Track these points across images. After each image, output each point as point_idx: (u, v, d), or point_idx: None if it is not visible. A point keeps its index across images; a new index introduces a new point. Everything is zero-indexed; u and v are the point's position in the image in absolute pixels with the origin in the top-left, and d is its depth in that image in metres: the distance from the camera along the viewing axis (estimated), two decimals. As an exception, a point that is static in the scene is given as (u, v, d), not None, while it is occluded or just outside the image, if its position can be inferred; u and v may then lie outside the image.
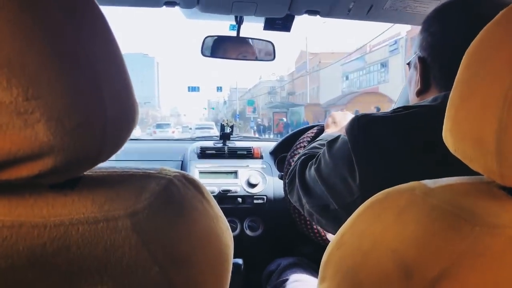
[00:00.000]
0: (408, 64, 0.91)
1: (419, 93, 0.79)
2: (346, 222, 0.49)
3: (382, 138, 0.68)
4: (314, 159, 0.84)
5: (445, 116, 0.45)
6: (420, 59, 0.77)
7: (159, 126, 28.55)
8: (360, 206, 0.48)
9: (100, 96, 0.36)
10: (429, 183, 0.44)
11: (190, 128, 29.13)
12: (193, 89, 39.03)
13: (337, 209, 0.75)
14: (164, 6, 1.18)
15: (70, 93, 0.34)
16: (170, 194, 0.43)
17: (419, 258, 0.38)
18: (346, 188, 0.71)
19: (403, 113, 0.69)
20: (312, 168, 0.82)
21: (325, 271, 0.49)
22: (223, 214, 0.51)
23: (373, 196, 0.47)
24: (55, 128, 0.33)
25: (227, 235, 0.50)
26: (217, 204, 0.51)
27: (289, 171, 0.97)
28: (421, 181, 0.44)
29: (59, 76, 0.33)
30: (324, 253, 0.50)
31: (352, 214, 0.49)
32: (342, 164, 0.72)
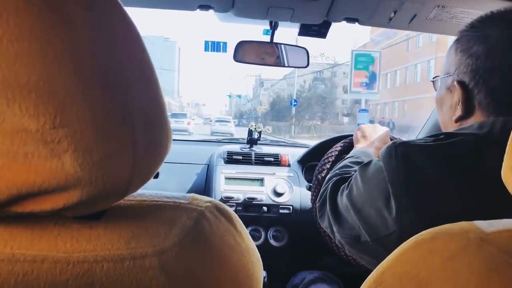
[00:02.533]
0: (433, 82, 0.85)
1: (459, 119, 0.73)
2: (386, 259, 0.45)
3: (424, 169, 0.63)
4: (346, 184, 0.79)
5: (507, 152, 0.40)
6: (460, 83, 0.71)
7: (174, 115, 24.16)
8: (403, 245, 0.44)
9: (131, 125, 0.33)
10: (484, 225, 0.39)
11: (211, 120, 32.73)
12: (216, 46, 21.17)
13: (369, 241, 0.69)
14: (198, 10, 1.16)
15: (100, 122, 0.31)
16: (201, 230, 0.40)
17: None
18: (381, 221, 0.66)
19: (447, 142, 0.64)
20: (344, 195, 0.77)
21: None
22: (254, 244, 0.48)
23: (417, 235, 0.43)
24: (83, 159, 0.31)
25: (258, 268, 0.47)
26: (248, 235, 0.48)
27: (320, 193, 0.92)
28: (473, 222, 0.40)
29: (89, 103, 0.31)
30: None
31: (394, 252, 0.45)
32: (377, 194, 0.67)
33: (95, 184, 0.32)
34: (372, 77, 22.70)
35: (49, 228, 0.35)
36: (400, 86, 32.35)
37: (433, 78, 0.85)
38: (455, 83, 0.72)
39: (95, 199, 0.33)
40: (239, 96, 61.01)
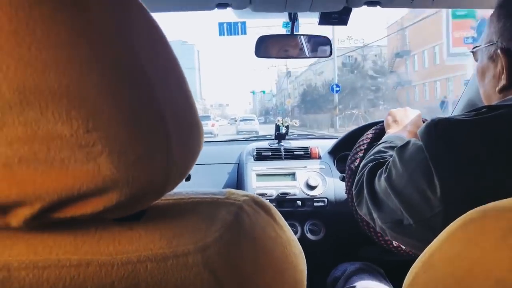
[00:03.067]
0: (473, 52, 0.82)
1: (503, 89, 0.69)
2: (434, 242, 0.44)
3: (468, 145, 0.60)
4: (384, 168, 0.76)
5: None
6: (504, 50, 0.67)
7: None
8: (451, 225, 0.42)
9: (164, 123, 0.33)
10: None
11: (236, 120, 32.58)
12: (233, 28, 17.37)
13: (412, 224, 0.67)
14: (216, 9, 1.16)
15: (132, 122, 0.31)
16: (242, 223, 0.40)
17: None
18: (425, 202, 0.63)
19: (489, 116, 0.61)
20: (382, 179, 0.75)
21: None
22: (294, 236, 0.48)
23: (465, 215, 0.41)
24: (118, 160, 0.31)
25: (301, 260, 0.46)
26: (288, 227, 0.47)
27: (356, 181, 0.90)
28: None
29: (120, 105, 0.31)
30: (408, 274, 0.45)
31: (441, 234, 0.43)
32: (419, 175, 0.65)
33: (132, 185, 0.32)
34: (481, 27, 13.81)
35: (91, 233, 0.35)
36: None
37: (473, 48, 0.81)
38: (498, 51, 0.69)
39: (133, 200, 0.33)
40: (263, 92, 59.03)
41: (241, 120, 27.47)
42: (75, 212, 0.32)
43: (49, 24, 0.29)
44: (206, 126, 21.07)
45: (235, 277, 0.37)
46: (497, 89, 0.70)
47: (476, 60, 0.80)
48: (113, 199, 0.32)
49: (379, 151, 0.94)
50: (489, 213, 0.39)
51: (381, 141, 1.03)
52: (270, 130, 1.89)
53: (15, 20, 0.28)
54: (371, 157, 0.92)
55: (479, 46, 0.78)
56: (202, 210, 0.40)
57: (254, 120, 27.18)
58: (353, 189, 0.91)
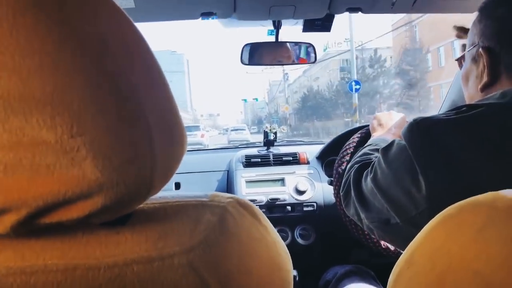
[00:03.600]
0: (459, 60, 0.83)
1: (485, 87, 0.71)
2: (415, 239, 0.44)
3: (449, 143, 0.61)
4: (370, 168, 0.77)
5: None
6: (485, 48, 0.69)
7: (186, 128, 24.11)
8: (430, 222, 0.43)
9: (147, 128, 0.34)
10: (510, 193, 0.38)
11: (227, 130, 32.99)
12: None
13: (399, 223, 0.68)
14: (200, 18, 1.17)
15: (115, 127, 0.32)
16: (226, 224, 0.41)
17: (509, 282, 0.33)
18: (410, 201, 0.64)
19: (469, 114, 0.62)
20: (368, 179, 0.76)
21: None
22: (280, 238, 0.48)
23: (443, 211, 0.42)
24: (103, 165, 0.31)
25: (287, 261, 0.47)
26: (273, 228, 0.48)
27: (343, 182, 0.91)
28: (498, 192, 0.39)
29: (103, 110, 0.31)
30: (392, 272, 0.46)
31: (422, 231, 0.44)
32: (403, 174, 0.66)
33: (117, 188, 0.33)
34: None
35: (78, 237, 0.36)
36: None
37: (458, 58, 0.83)
38: (480, 50, 0.70)
39: (118, 204, 0.34)
40: (256, 99, 57.49)
41: (232, 130, 28.00)
42: (61, 217, 0.33)
43: (33, 33, 0.29)
44: (195, 137, 20.60)
45: (221, 278, 0.37)
46: (479, 87, 0.71)
47: (461, 68, 0.82)
48: (98, 203, 0.32)
49: (365, 153, 0.95)
50: (466, 208, 0.40)
51: (366, 144, 1.05)
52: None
53: None
54: (357, 159, 0.94)
55: (463, 54, 0.80)
56: (187, 212, 0.41)
57: (245, 129, 27.89)
58: (340, 190, 0.92)
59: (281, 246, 0.47)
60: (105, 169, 0.31)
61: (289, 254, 0.48)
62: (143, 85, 0.35)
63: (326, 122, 28.37)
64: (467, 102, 0.80)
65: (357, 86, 17.00)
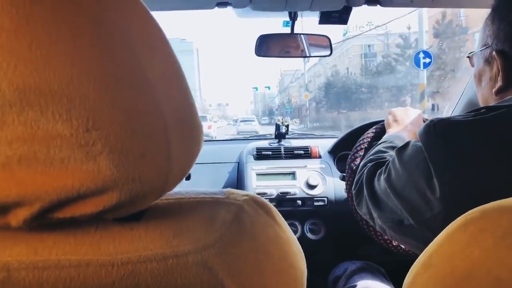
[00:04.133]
0: (469, 57, 0.82)
1: (500, 91, 0.70)
2: (433, 242, 0.43)
3: (467, 145, 0.60)
4: (384, 168, 0.76)
5: None
6: (499, 52, 0.68)
7: None
8: (451, 225, 0.42)
9: (163, 121, 0.33)
10: None
11: (236, 121, 34.10)
12: None
13: (412, 224, 0.67)
14: (216, 7, 1.15)
15: (131, 121, 0.31)
16: (242, 222, 0.40)
17: None
18: (425, 203, 0.63)
19: (488, 116, 0.61)
20: (382, 179, 0.75)
21: None
22: (294, 236, 0.48)
23: (465, 214, 0.41)
24: (118, 160, 0.31)
25: (300, 259, 0.46)
26: (288, 226, 0.47)
27: (355, 180, 0.90)
28: None
29: (119, 103, 0.30)
30: (408, 273, 0.45)
31: (441, 234, 0.43)
32: (418, 175, 0.65)
33: (132, 184, 0.32)
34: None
35: (91, 233, 0.35)
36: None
37: (469, 54, 0.82)
38: (494, 53, 0.69)
39: (133, 200, 0.33)
40: (268, 87, 55.86)
41: (241, 121, 29.01)
42: (75, 212, 0.32)
43: (50, 23, 0.28)
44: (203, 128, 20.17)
45: (235, 277, 0.37)
46: (493, 91, 0.71)
47: (473, 65, 0.81)
48: (113, 198, 0.32)
49: (379, 151, 0.94)
50: (489, 213, 0.39)
51: (381, 140, 1.03)
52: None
53: (16, 18, 0.28)
54: (371, 157, 0.92)
55: (474, 52, 0.79)
56: (202, 210, 0.40)
57: (254, 120, 28.88)
58: (352, 188, 0.91)
59: (295, 244, 0.46)
60: (120, 164, 0.31)
61: (303, 253, 0.48)
62: (160, 79, 0.34)
63: (364, 112, 25.86)
64: (481, 103, 0.79)
65: (427, 60, 11.29)
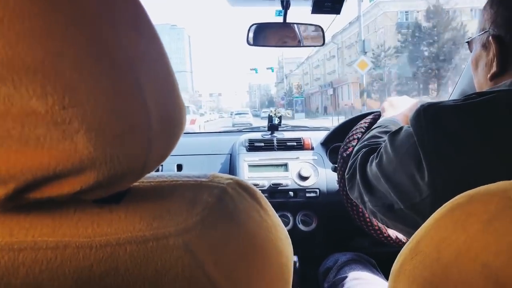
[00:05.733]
0: (468, 42, 0.82)
1: (494, 77, 0.70)
2: (421, 228, 0.43)
3: (455, 130, 0.60)
4: (376, 153, 0.77)
5: None
6: (496, 37, 0.68)
7: None
8: (438, 211, 0.42)
9: (143, 101, 0.32)
10: None
11: (231, 114, 35.53)
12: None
13: (402, 208, 0.67)
14: None
15: (110, 99, 0.30)
16: (225, 206, 0.39)
17: None
18: (414, 187, 0.64)
19: (478, 100, 0.61)
20: (374, 164, 0.75)
21: (397, 282, 0.43)
22: (281, 221, 0.47)
23: (452, 200, 0.41)
24: (96, 138, 0.30)
25: (287, 245, 0.46)
26: (274, 211, 0.47)
27: (349, 165, 0.90)
28: (511, 182, 0.37)
29: (97, 81, 0.29)
30: (396, 260, 0.45)
31: (428, 219, 0.43)
32: (408, 160, 0.65)
33: (110, 164, 0.31)
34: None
35: (69, 214, 0.34)
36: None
37: (467, 39, 0.82)
38: (490, 38, 0.69)
39: (112, 180, 0.32)
40: (271, 69, 49.60)
41: (236, 114, 30.56)
42: (51, 193, 0.31)
43: None
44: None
45: (217, 260, 0.36)
46: (488, 76, 0.70)
47: (471, 51, 0.81)
48: (90, 178, 0.31)
49: (373, 136, 0.94)
50: (476, 197, 0.38)
51: (375, 125, 1.03)
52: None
53: None
54: (365, 142, 0.93)
55: (473, 37, 0.79)
56: (184, 192, 0.39)
57: (248, 113, 30.37)
58: (345, 173, 0.91)
59: (282, 230, 0.46)
60: (98, 143, 0.30)
61: (289, 239, 0.47)
62: (141, 58, 0.33)
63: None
64: (476, 89, 0.79)
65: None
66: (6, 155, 0.29)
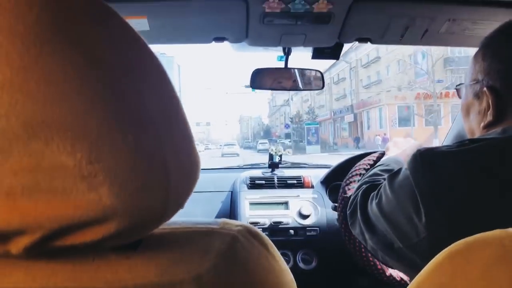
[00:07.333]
0: (457, 90, 0.86)
1: (488, 126, 0.72)
2: (422, 272, 0.45)
3: (448, 174, 0.64)
4: (376, 192, 0.79)
5: None
6: (490, 88, 0.71)
7: None
8: (437, 257, 0.44)
9: (163, 156, 0.35)
10: None
11: (221, 145, 38.35)
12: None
13: (402, 248, 0.70)
14: (213, 42, 1.20)
15: (132, 155, 0.33)
16: (236, 253, 0.41)
17: None
18: (412, 228, 0.66)
19: (470, 147, 0.64)
20: (374, 203, 0.78)
21: None
22: (287, 266, 0.48)
23: (450, 246, 0.43)
24: (119, 191, 0.32)
25: None
26: (281, 256, 0.48)
27: (350, 201, 0.93)
28: (507, 230, 0.40)
29: (121, 138, 0.32)
30: None
31: (428, 264, 0.45)
32: (406, 201, 0.68)
33: (131, 214, 0.33)
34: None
35: (89, 261, 0.36)
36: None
37: (457, 86, 0.86)
38: (484, 89, 0.71)
39: (132, 229, 0.34)
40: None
41: (225, 145, 34.07)
42: (75, 240, 0.33)
43: (58, 61, 0.30)
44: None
45: None
46: (482, 125, 0.73)
47: (460, 97, 0.84)
48: (112, 228, 0.33)
49: (375, 174, 0.98)
50: (474, 245, 0.40)
51: (378, 163, 1.07)
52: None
53: (26, 56, 0.29)
54: (366, 179, 0.96)
55: (462, 84, 0.82)
56: (197, 239, 0.41)
57: (235, 144, 34.32)
58: (347, 209, 0.93)
59: (288, 275, 0.47)
60: (121, 195, 0.32)
61: (295, 283, 0.48)
62: (162, 116, 0.36)
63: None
64: (468, 135, 0.82)
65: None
66: (34, 205, 0.31)
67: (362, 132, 30.42)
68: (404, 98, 25.21)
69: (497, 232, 0.40)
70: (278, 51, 1.36)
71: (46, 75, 0.30)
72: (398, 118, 25.28)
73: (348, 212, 0.93)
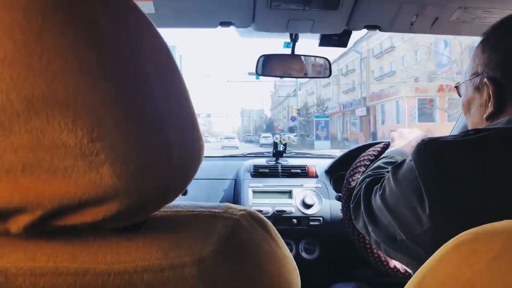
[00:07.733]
0: (456, 88, 0.86)
1: (490, 117, 0.72)
2: (426, 262, 0.44)
3: (453, 164, 0.63)
4: (379, 184, 0.79)
5: None
6: (491, 79, 0.71)
7: None
8: (443, 247, 0.43)
9: (166, 135, 0.34)
10: None
11: (221, 138, 39.90)
12: None
13: (404, 240, 0.69)
14: (219, 27, 1.18)
15: (135, 134, 0.32)
16: (238, 238, 0.41)
17: None
18: (415, 219, 0.66)
19: (476, 136, 0.64)
20: (377, 196, 0.77)
21: None
22: (289, 253, 0.48)
23: (458, 236, 0.42)
24: (120, 170, 0.31)
25: (295, 277, 0.46)
26: (284, 243, 0.48)
27: (354, 194, 0.92)
28: None
29: (124, 116, 0.31)
30: None
31: (434, 255, 0.44)
32: (410, 192, 0.67)
33: (133, 194, 0.33)
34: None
35: (89, 242, 0.36)
36: None
37: (456, 84, 0.86)
38: (485, 80, 0.72)
39: (133, 210, 0.34)
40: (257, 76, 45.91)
41: (225, 138, 35.49)
42: (75, 220, 0.33)
43: (61, 35, 0.29)
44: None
45: None
46: (484, 116, 0.73)
47: (460, 95, 0.84)
48: (113, 208, 0.32)
49: (379, 167, 0.97)
50: (482, 235, 0.39)
51: (382, 155, 1.05)
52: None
53: (28, 30, 0.28)
54: (369, 172, 0.95)
55: (461, 82, 0.83)
56: (200, 223, 0.40)
57: (235, 138, 35.35)
58: (351, 202, 0.93)
59: (291, 262, 0.47)
60: (122, 174, 0.32)
61: (297, 270, 0.48)
62: (166, 95, 0.35)
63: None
64: (471, 128, 0.81)
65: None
66: (35, 184, 0.30)
67: (376, 127, 27.49)
68: (425, 90, 22.53)
69: (506, 222, 0.39)
70: (285, 37, 1.34)
71: (48, 50, 0.29)
72: (418, 112, 23.11)
73: (351, 206, 0.92)
